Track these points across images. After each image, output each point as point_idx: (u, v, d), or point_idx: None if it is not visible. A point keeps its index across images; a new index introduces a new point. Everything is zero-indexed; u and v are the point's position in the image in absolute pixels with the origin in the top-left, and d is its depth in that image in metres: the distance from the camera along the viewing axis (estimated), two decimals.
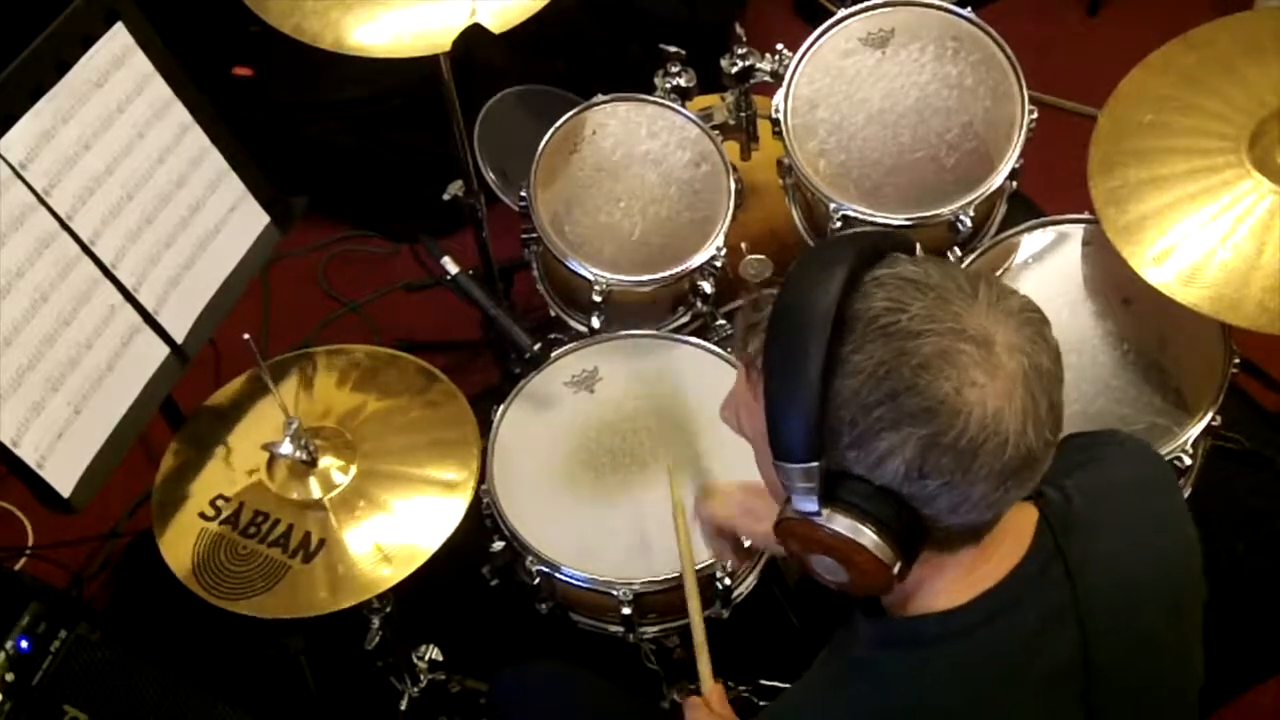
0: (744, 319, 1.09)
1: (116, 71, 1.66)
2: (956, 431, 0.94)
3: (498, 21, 1.85)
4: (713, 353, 1.96)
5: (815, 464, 0.98)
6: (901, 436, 0.95)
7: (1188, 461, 1.76)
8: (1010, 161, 1.94)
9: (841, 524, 0.99)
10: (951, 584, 1.07)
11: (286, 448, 1.59)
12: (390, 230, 3.02)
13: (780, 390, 0.98)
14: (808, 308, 0.97)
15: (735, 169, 2.10)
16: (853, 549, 0.99)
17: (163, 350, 1.72)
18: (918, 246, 1.06)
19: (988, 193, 1.94)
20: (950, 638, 1.06)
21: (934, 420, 0.94)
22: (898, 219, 1.96)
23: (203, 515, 1.61)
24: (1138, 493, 1.19)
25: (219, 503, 1.62)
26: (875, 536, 0.98)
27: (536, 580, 1.76)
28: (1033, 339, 0.98)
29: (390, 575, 1.55)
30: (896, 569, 1.00)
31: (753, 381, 1.06)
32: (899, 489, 0.97)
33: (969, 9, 2.01)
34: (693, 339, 2.00)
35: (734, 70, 2.13)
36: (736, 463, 1.78)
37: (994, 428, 0.95)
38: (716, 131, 2.11)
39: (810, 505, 1.00)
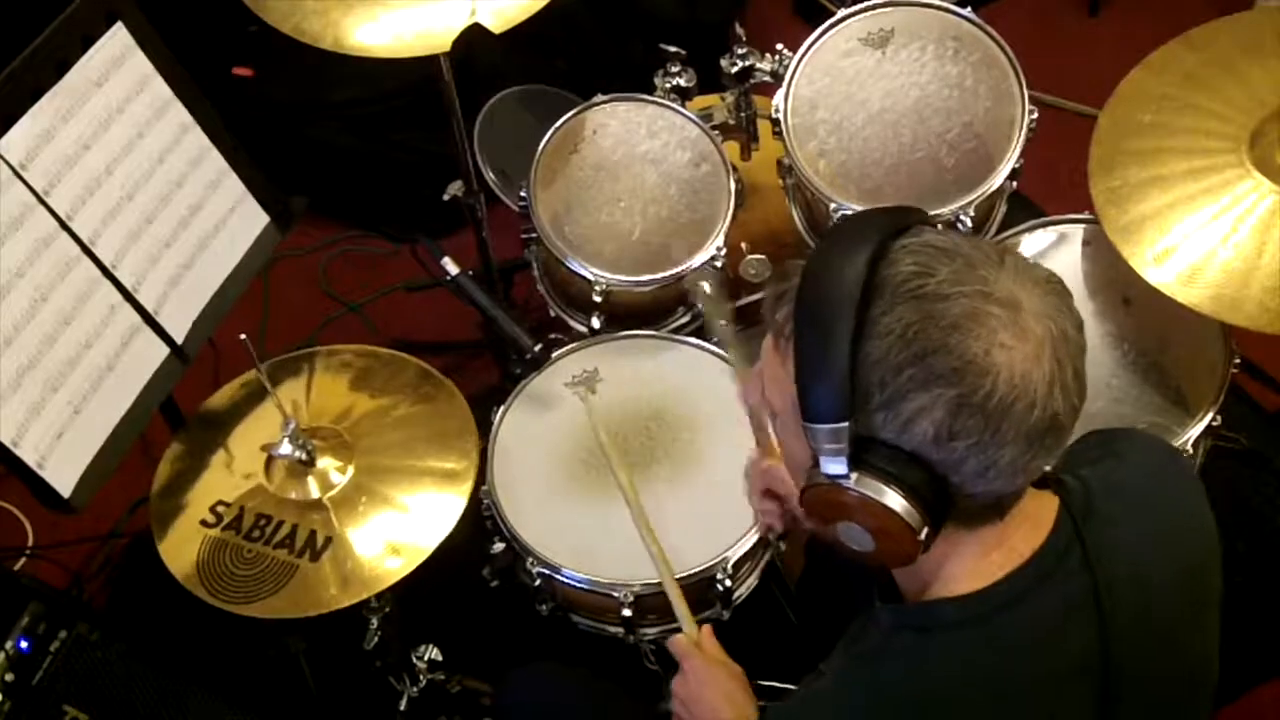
0: (773, 288, 1.09)
1: (116, 71, 1.66)
2: (985, 391, 0.95)
3: (498, 21, 1.85)
4: (713, 353, 1.96)
5: (845, 424, 0.98)
6: (931, 397, 0.96)
7: None
8: (1010, 161, 1.94)
9: (870, 487, 1.00)
10: (969, 567, 1.08)
11: (285, 448, 1.59)
12: (390, 230, 3.01)
13: (811, 351, 0.99)
14: (837, 272, 0.98)
15: (735, 169, 2.10)
16: (881, 513, 1.00)
17: (163, 350, 1.72)
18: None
19: (988, 193, 1.94)
20: (968, 623, 1.06)
21: (963, 380, 0.95)
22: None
23: (204, 523, 1.61)
24: (1157, 486, 1.19)
25: (219, 509, 1.63)
26: (904, 500, 0.99)
27: (537, 581, 1.76)
28: (1058, 307, 1.00)
29: (400, 567, 1.56)
30: (923, 535, 1.00)
31: (780, 350, 1.07)
32: (927, 454, 0.98)
33: (969, 9, 2.01)
34: (692, 339, 2.00)
35: (734, 70, 2.13)
36: (737, 462, 1.78)
37: (1022, 388, 0.96)
38: (716, 131, 2.11)
39: (839, 468, 1.00)
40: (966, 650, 1.07)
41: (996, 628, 1.06)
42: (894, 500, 0.99)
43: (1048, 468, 1.08)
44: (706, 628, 1.49)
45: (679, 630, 1.81)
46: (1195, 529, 1.19)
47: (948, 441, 0.97)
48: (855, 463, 1.00)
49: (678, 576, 1.69)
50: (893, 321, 0.96)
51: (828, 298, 0.98)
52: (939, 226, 1.06)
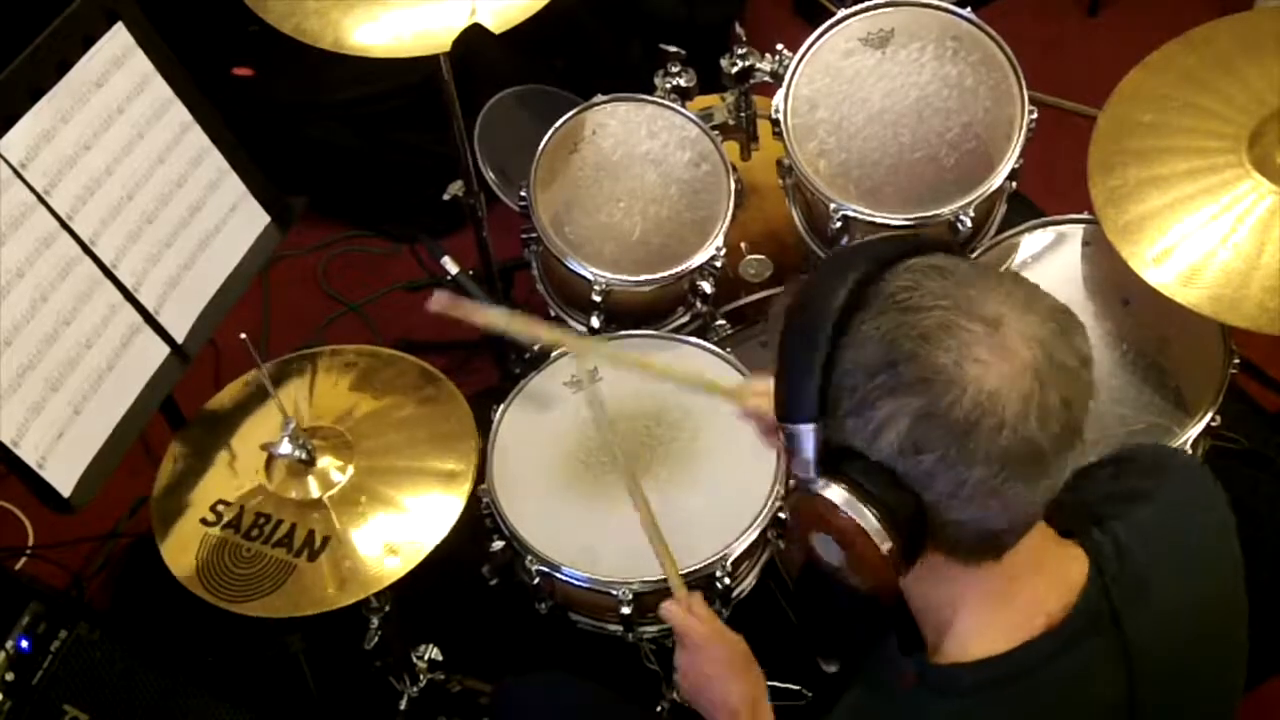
0: (785, 295, 1.11)
1: (116, 71, 1.66)
2: (949, 402, 0.94)
3: (498, 21, 1.85)
4: (713, 353, 1.96)
5: (812, 425, 0.99)
6: (898, 405, 0.95)
7: None
8: (1010, 161, 1.94)
9: (835, 494, 0.99)
10: (987, 621, 1.06)
11: (285, 448, 1.59)
12: (390, 230, 3.01)
13: (790, 353, 1.00)
14: (829, 280, 0.99)
15: (735, 169, 2.10)
16: (845, 523, 0.99)
17: (163, 350, 1.73)
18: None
19: (988, 193, 1.94)
20: (988, 687, 1.04)
21: (929, 390, 0.94)
22: (898, 219, 1.96)
23: (204, 521, 1.62)
24: (1185, 528, 1.16)
25: (220, 508, 1.63)
26: (865, 508, 0.98)
27: (536, 580, 1.76)
28: (1057, 335, 0.97)
29: (397, 568, 1.56)
30: (887, 550, 0.99)
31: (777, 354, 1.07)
32: (896, 466, 0.97)
33: (969, 9, 2.01)
34: (693, 339, 2.00)
35: (734, 70, 2.13)
36: (736, 462, 1.79)
37: (989, 406, 0.94)
38: (716, 131, 2.11)
39: (808, 473, 1.01)
40: (991, 714, 1.05)
41: (1018, 695, 1.04)
42: (856, 509, 0.98)
43: (1054, 498, 1.04)
44: (697, 594, 1.45)
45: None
46: (1223, 567, 1.16)
47: (914, 454, 0.96)
48: (825, 469, 1.00)
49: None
50: (871, 329, 0.97)
51: (814, 304, 0.99)
52: (967, 259, 1.04)
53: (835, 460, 1.00)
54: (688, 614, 1.40)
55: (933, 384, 0.94)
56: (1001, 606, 1.06)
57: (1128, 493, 1.16)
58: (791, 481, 1.05)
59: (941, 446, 0.95)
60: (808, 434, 0.99)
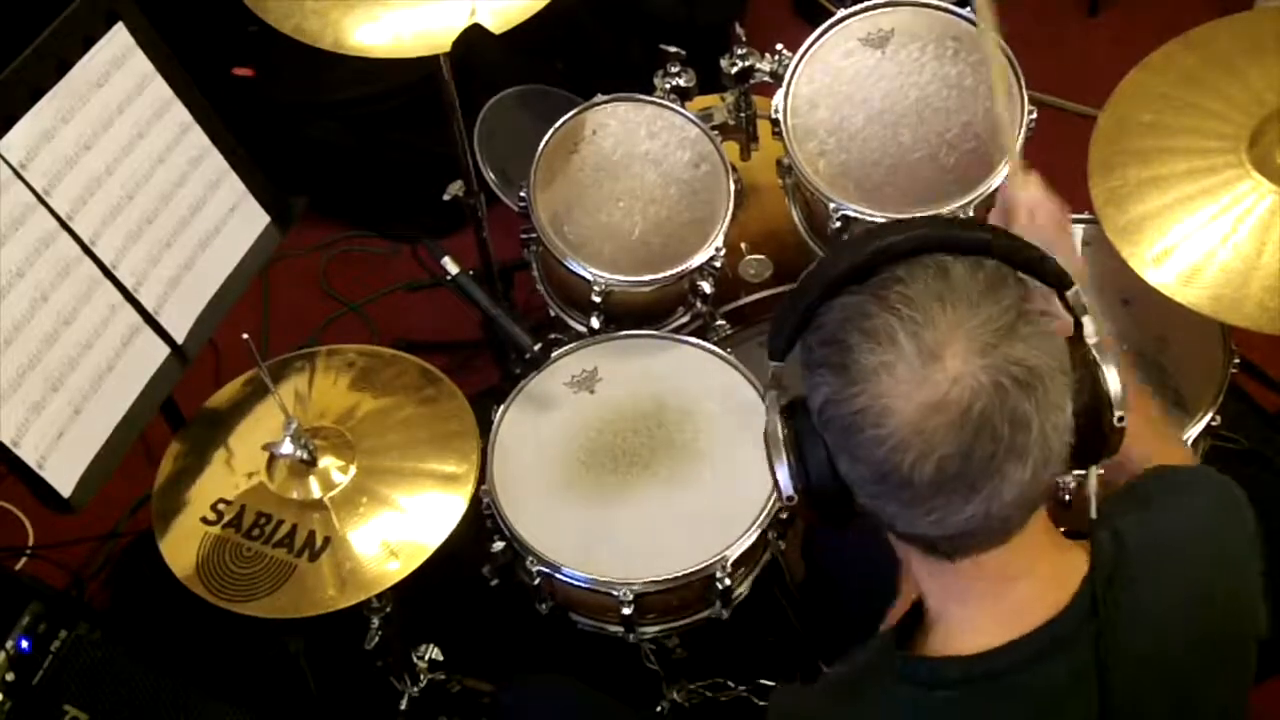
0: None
1: (116, 71, 1.66)
2: (845, 398, 0.97)
3: (498, 21, 1.85)
4: (713, 353, 1.96)
5: (776, 364, 1.07)
6: (822, 379, 0.99)
7: None
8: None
9: (771, 421, 1.07)
10: (974, 619, 1.07)
11: (286, 448, 1.59)
12: (390, 230, 3.01)
13: (792, 294, 1.04)
14: (862, 243, 1.01)
15: (735, 169, 2.10)
16: (772, 450, 1.06)
17: (163, 350, 1.73)
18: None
19: (988, 193, 1.94)
20: (975, 681, 1.05)
21: (839, 378, 0.98)
22: (898, 219, 1.95)
23: (204, 520, 1.62)
24: (1201, 540, 1.14)
25: (220, 506, 1.63)
26: (784, 445, 1.06)
27: (536, 580, 1.76)
28: (996, 388, 0.94)
29: (397, 570, 1.56)
30: (785, 489, 1.06)
31: None
32: (820, 428, 1.02)
33: (969, 9, 2.01)
34: (693, 339, 2.00)
35: (734, 70, 2.13)
36: (735, 462, 1.79)
37: (876, 421, 0.95)
38: (716, 131, 2.11)
39: (772, 405, 1.08)
40: (970, 710, 1.05)
41: (1004, 689, 1.04)
42: (776, 442, 1.06)
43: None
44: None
45: (678, 629, 1.82)
46: (1234, 585, 1.13)
47: (822, 427, 1.01)
48: (784, 408, 1.07)
49: (675, 574, 1.69)
50: (843, 303, 0.99)
51: (833, 260, 1.01)
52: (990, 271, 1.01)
53: (794, 404, 1.06)
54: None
55: (842, 373, 0.97)
56: (994, 604, 1.06)
57: (1146, 497, 1.16)
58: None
59: (833, 434, 1.00)
60: (772, 371, 1.08)
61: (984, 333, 0.95)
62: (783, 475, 1.06)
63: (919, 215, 1.10)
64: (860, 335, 0.97)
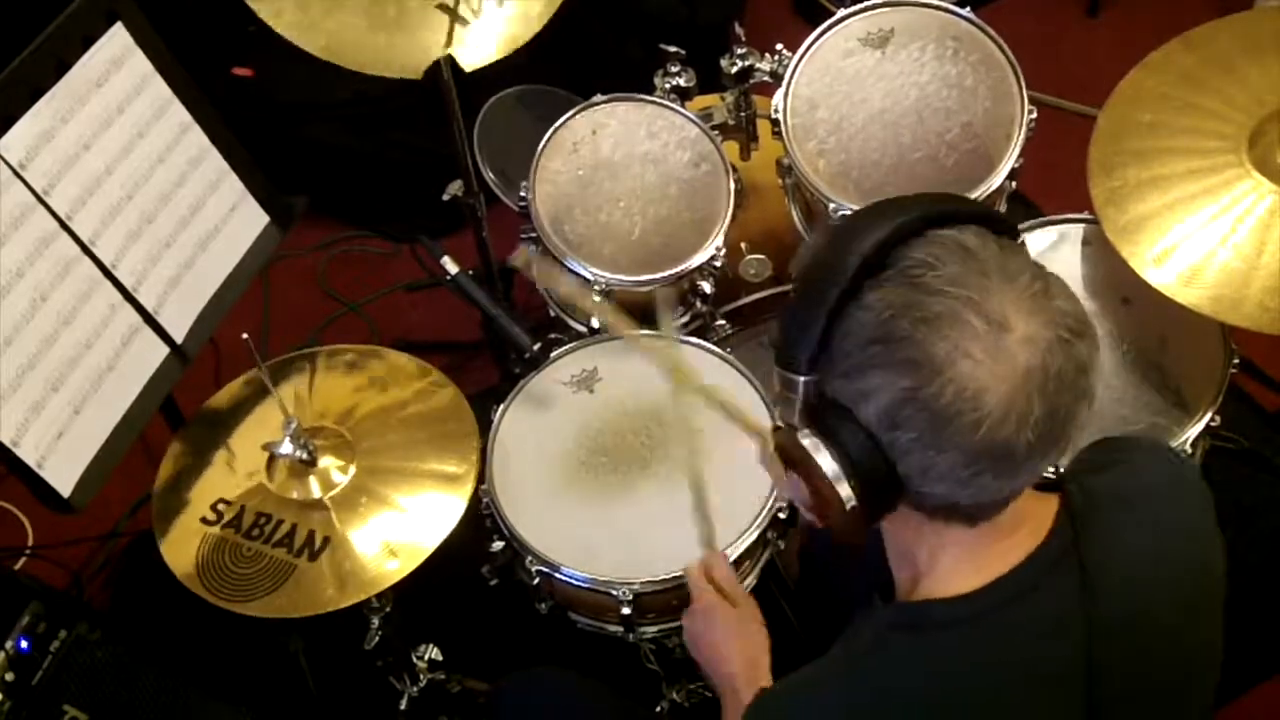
0: (820, 232, 1.13)
1: (116, 71, 1.66)
2: (933, 392, 0.96)
3: (504, 42, 1.85)
4: (713, 353, 1.96)
5: (803, 378, 1.03)
6: (886, 380, 0.98)
7: None
8: (1010, 161, 1.94)
9: (809, 440, 1.03)
10: (961, 567, 1.08)
11: (286, 447, 1.59)
12: (390, 230, 3.02)
13: (801, 300, 1.02)
14: (861, 233, 1.00)
15: (735, 169, 2.10)
16: (813, 468, 1.03)
17: (163, 350, 1.73)
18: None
19: (987, 193, 1.94)
20: (959, 623, 1.07)
21: (917, 374, 0.96)
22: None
23: (204, 520, 1.61)
24: (1163, 496, 1.19)
25: (220, 506, 1.62)
26: (833, 461, 1.02)
27: (536, 580, 1.76)
28: (1060, 343, 0.98)
29: (397, 569, 1.56)
30: (849, 501, 1.02)
31: None
32: (875, 431, 1.00)
33: (969, 9, 2.01)
34: (693, 339, 1.99)
35: (734, 70, 2.13)
36: (736, 463, 1.78)
37: (972, 403, 0.96)
38: (716, 131, 2.11)
39: (794, 419, 1.05)
40: (957, 650, 1.07)
41: (988, 629, 1.07)
42: (824, 458, 1.02)
43: (1052, 471, 1.08)
44: (719, 555, 1.50)
45: (678, 629, 1.82)
46: (1199, 540, 1.18)
47: (892, 429, 0.99)
48: (811, 419, 1.04)
49: (675, 574, 1.69)
50: (878, 299, 0.98)
51: (835, 257, 1.00)
52: (1017, 234, 1.06)
53: (824, 411, 1.03)
54: (701, 576, 1.47)
55: (922, 369, 0.96)
56: (981, 552, 1.09)
57: (1107, 462, 1.20)
58: (780, 422, 1.09)
59: (918, 429, 0.98)
60: (800, 384, 1.04)
61: (1028, 293, 0.99)
62: (836, 477, 1.03)
63: (875, 202, 1.08)
64: (920, 326, 0.96)
